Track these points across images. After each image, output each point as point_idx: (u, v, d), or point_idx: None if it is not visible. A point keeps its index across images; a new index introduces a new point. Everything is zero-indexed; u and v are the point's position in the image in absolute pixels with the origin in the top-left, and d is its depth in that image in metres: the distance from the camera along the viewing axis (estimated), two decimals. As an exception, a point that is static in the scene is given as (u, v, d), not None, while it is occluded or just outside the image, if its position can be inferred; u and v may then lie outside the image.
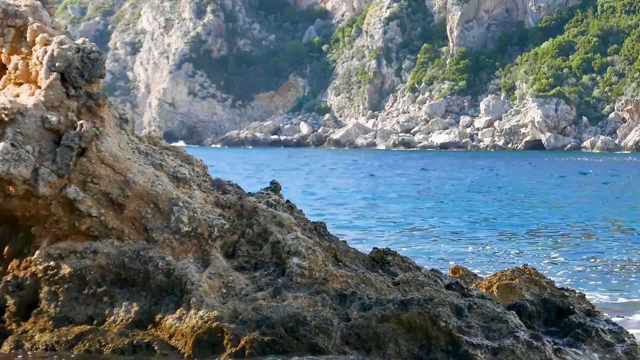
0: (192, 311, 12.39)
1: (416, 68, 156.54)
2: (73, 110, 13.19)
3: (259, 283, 12.95)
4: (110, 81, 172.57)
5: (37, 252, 13.07)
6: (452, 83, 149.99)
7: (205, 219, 13.33)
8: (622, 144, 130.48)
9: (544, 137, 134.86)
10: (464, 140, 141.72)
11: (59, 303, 12.83)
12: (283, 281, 12.84)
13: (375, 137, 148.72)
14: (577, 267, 23.62)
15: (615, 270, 23.11)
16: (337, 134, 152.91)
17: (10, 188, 12.78)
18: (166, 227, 13.16)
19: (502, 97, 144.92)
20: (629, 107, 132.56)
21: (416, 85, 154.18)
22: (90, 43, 13.64)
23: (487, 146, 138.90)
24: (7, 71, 13.93)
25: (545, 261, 24.58)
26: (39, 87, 13.30)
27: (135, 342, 12.31)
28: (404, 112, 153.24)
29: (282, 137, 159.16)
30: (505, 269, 16.32)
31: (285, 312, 12.29)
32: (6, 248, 13.50)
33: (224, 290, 12.77)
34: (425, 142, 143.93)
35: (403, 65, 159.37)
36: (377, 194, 50.87)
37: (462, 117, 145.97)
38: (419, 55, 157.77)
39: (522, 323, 12.79)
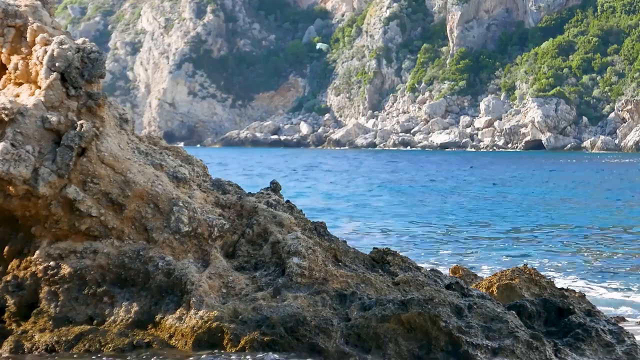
0: (192, 311, 12.39)
1: (416, 68, 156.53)
2: (73, 110, 13.18)
3: (259, 283, 12.94)
4: (110, 81, 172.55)
5: (37, 252, 13.07)
6: (452, 83, 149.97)
7: (205, 219, 13.33)
8: (622, 144, 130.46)
9: (544, 137, 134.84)
10: (464, 140, 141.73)
11: (59, 303, 12.83)
12: (283, 281, 12.84)
13: (375, 137, 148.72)
14: (578, 266, 23.62)
15: (616, 269, 23.11)
16: (337, 134, 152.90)
17: (10, 188, 12.77)
18: (166, 227, 13.16)
19: (502, 97, 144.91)
20: (629, 107, 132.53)
21: (416, 85, 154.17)
22: (90, 43, 13.63)
23: (487, 146, 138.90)
24: (7, 71, 13.92)
25: (545, 261, 24.58)
26: (39, 87, 13.30)
27: (135, 342, 12.31)
28: (404, 112, 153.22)
29: (282, 137, 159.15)
30: (505, 269, 16.33)
31: (285, 312, 12.29)
32: (6, 248, 13.49)
33: (224, 290, 12.77)
34: (425, 142, 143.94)
35: (403, 65, 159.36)
36: (378, 192, 50.90)
37: (462, 117, 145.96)
38: (419, 55, 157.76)
39: (522, 323, 12.79)
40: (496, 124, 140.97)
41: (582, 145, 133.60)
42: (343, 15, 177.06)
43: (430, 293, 12.80)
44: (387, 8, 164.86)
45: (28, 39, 13.75)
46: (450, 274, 15.88)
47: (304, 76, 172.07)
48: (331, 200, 45.50)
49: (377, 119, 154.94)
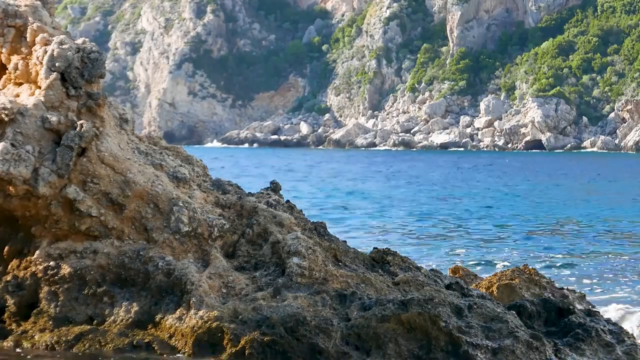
0: (192, 311, 12.39)
1: (416, 68, 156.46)
2: (73, 110, 13.18)
3: (259, 283, 12.94)
4: (110, 81, 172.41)
5: (37, 252, 13.07)
6: (452, 83, 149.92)
7: (205, 219, 13.33)
8: (622, 144, 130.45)
9: (544, 137, 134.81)
10: (464, 140, 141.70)
11: (59, 303, 12.83)
12: (283, 281, 12.83)
13: (375, 137, 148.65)
14: (578, 266, 23.61)
15: (616, 269, 23.11)
16: (337, 134, 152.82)
17: (10, 188, 12.77)
18: (166, 227, 13.16)
19: (502, 97, 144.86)
20: (629, 107, 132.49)
21: (416, 85, 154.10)
22: (90, 43, 13.63)
23: (487, 146, 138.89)
24: (7, 71, 13.93)
25: (545, 261, 24.57)
26: (39, 87, 13.30)
27: (135, 342, 12.31)
28: (404, 112, 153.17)
29: (282, 137, 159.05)
30: (505, 269, 16.32)
31: (285, 312, 12.28)
32: (6, 248, 13.50)
33: (224, 290, 12.77)
34: (425, 142, 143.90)
35: (403, 65, 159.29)
36: (381, 192, 50.88)
37: (462, 117, 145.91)
38: (419, 55, 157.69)
39: (522, 323, 12.79)
40: (496, 124, 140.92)
41: (582, 145, 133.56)
42: (343, 15, 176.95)
43: (430, 293, 12.80)
44: (387, 8, 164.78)
45: (28, 39, 13.75)
46: (450, 274, 15.88)
47: (304, 76, 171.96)
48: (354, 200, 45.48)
49: (377, 119, 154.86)
